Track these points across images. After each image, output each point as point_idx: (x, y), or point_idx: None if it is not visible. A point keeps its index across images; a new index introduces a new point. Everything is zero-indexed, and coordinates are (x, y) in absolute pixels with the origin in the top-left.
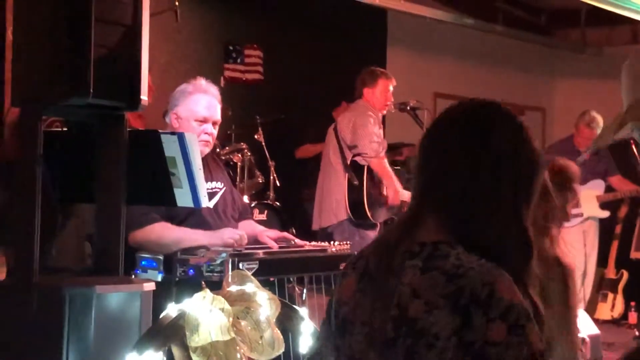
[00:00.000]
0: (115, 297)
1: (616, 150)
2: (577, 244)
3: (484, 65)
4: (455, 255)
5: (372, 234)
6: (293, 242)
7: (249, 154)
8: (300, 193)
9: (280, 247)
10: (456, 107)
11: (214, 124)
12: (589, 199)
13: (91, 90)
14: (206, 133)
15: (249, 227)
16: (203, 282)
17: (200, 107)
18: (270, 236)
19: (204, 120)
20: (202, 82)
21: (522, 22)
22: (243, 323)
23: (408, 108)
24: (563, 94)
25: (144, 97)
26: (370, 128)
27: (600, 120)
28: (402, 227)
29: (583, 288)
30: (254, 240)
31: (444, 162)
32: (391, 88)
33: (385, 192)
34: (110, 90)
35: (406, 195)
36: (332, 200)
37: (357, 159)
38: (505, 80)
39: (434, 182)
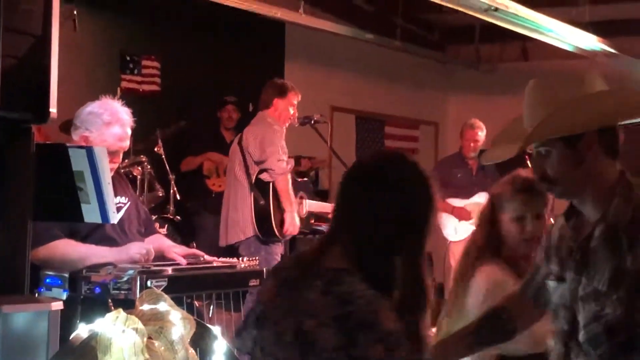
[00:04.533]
0: (21, 317)
1: (511, 166)
2: None
3: (380, 80)
4: (349, 283)
5: (277, 249)
6: (202, 259)
7: (149, 166)
8: (189, 205)
9: (188, 264)
10: (370, 157)
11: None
12: (477, 211)
13: None
14: (113, 162)
15: (157, 242)
16: (110, 301)
17: (116, 139)
18: (178, 252)
19: (116, 151)
20: (117, 108)
21: (418, 38)
22: (156, 343)
23: (312, 122)
24: (456, 109)
25: (53, 109)
26: (277, 144)
27: (480, 122)
28: (317, 250)
29: None
30: (161, 256)
31: (352, 203)
32: (296, 103)
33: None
34: (18, 103)
35: (314, 205)
36: (238, 216)
37: (262, 176)
38: (400, 94)
39: (345, 218)
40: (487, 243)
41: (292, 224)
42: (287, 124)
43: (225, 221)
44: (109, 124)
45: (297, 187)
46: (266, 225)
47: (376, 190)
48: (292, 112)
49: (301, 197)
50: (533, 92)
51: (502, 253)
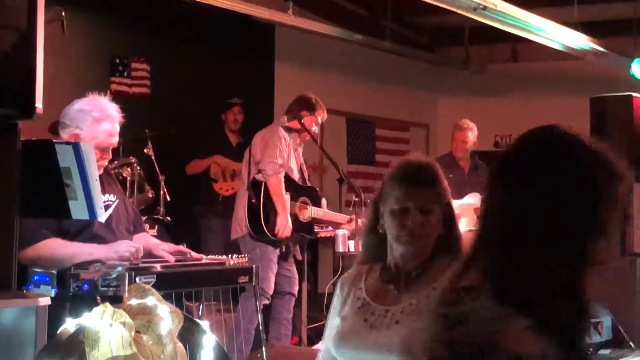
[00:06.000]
0: (9, 312)
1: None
2: None
3: (370, 82)
4: (468, 301)
5: (272, 250)
6: (189, 255)
7: (139, 168)
8: (191, 209)
9: (176, 261)
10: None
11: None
12: (468, 212)
13: None
14: (103, 158)
15: (143, 240)
16: (98, 298)
17: (107, 135)
18: (165, 249)
19: (106, 148)
20: (106, 104)
21: (407, 39)
22: (144, 337)
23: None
24: (446, 110)
25: (39, 105)
26: (277, 149)
27: (471, 123)
28: (457, 266)
29: None
30: (149, 254)
31: (492, 200)
32: (320, 121)
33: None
34: (4, 98)
35: (321, 212)
36: (238, 214)
37: (257, 176)
38: (391, 96)
39: (485, 220)
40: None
41: (284, 226)
42: (305, 139)
43: (233, 218)
44: (99, 120)
45: (300, 192)
46: (257, 224)
47: (515, 183)
48: (314, 128)
49: (304, 202)
50: None
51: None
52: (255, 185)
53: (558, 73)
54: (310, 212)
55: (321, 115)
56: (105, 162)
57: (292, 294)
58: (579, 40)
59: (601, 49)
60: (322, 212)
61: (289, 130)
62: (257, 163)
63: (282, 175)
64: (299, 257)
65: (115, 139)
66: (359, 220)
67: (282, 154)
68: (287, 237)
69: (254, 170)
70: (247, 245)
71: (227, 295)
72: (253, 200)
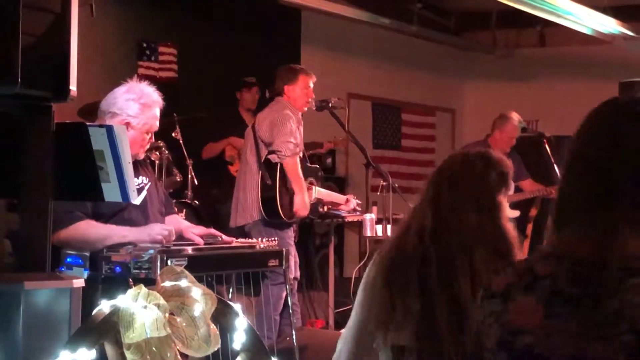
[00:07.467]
0: (44, 294)
1: (528, 151)
2: None
3: (397, 66)
4: None
5: (288, 234)
6: (220, 239)
7: (167, 152)
8: (214, 192)
9: (206, 244)
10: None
11: None
12: None
13: (19, 80)
14: (149, 142)
15: (175, 223)
16: (130, 280)
17: (154, 120)
18: (195, 232)
19: (152, 132)
20: (149, 90)
21: (434, 24)
22: (178, 319)
23: (330, 105)
24: (473, 95)
25: (73, 87)
26: (288, 127)
27: (522, 119)
28: (593, 239)
29: None
30: (179, 237)
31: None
32: (311, 84)
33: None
34: (39, 80)
35: (324, 193)
36: (246, 199)
37: (271, 157)
38: (417, 81)
39: (627, 188)
40: None
41: (302, 206)
42: (304, 109)
43: (236, 203)
44: (149, 106)
45: (306, 173)
46: (271, 206)
47: None
48: (308, 96)
49: (310, 183)
50: None
51: None
52: (267, 167)
53: (586, 58)
54: (315, 192)
55: (309, 81)
56: (148, 146)
57: (296, 278)
58: (608, 25)
59: (630, 33)
60: (325, 192)
61: (290, 107)
62: (266, 144)
63: (297, 157)
64: (295, 238)
65: (158, 123)
66: (354, 201)
67: (294, 134)
68: (303, 216)
69: (264, 152)
70: (261, 231)
71: (257, 279)
72: (268, 182)
